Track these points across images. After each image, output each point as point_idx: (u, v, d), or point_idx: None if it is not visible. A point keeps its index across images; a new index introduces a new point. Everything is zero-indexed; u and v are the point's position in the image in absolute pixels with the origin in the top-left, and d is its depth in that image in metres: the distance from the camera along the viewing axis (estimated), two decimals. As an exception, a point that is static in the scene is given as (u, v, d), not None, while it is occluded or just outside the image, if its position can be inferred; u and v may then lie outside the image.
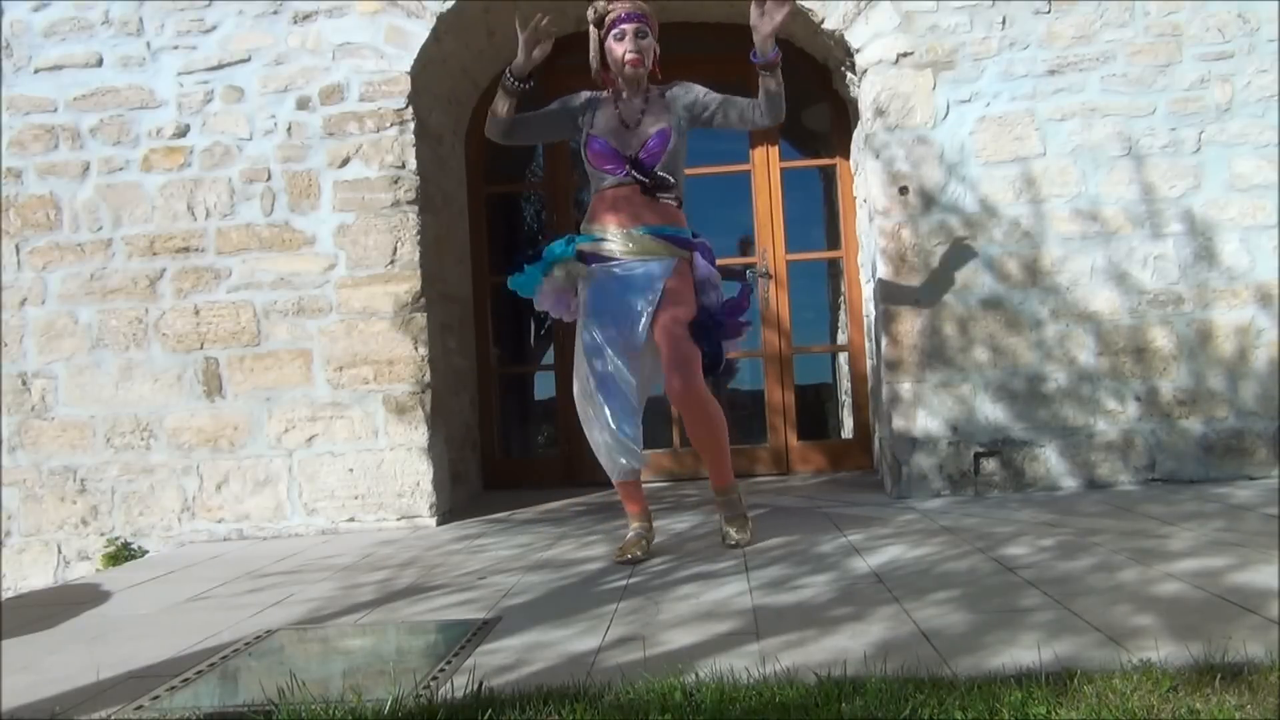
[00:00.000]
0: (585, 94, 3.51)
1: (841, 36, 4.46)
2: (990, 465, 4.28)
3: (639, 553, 3.30)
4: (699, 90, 3.44)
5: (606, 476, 3.52)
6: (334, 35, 4.51)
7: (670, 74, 3.54)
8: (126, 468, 4.48)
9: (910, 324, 4.33)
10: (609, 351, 3.32)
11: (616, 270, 3.36)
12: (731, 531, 3.43)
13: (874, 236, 4.47)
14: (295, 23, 4.52)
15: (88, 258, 4.53)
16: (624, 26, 3.34)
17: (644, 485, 5.22)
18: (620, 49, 3.35)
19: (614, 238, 3.36)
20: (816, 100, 5.54)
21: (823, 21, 4.47)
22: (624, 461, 3.37)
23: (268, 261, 4.48)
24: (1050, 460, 4.25)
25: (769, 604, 2.58)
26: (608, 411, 3.32)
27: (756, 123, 3.42)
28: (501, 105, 3.39)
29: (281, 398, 4.45)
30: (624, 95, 3.43)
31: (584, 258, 3.40)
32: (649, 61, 3.39)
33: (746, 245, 5.48)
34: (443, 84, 4.87)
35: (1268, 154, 4.23)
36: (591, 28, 3.43)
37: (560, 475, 5.44)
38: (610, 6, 3.37)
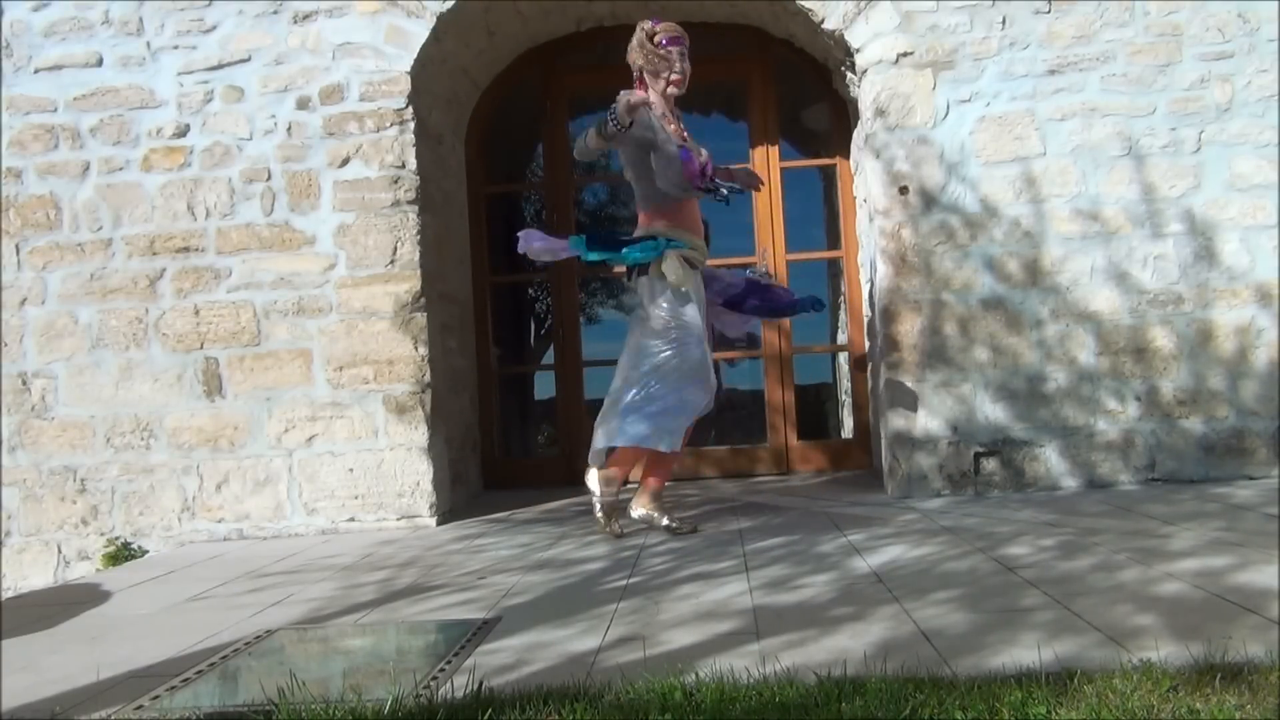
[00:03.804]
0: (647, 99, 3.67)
1: (841, 36, 4.46)
2: (990, 465, 4.28)
3: None
4: None
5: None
6: (334, 35, 4.51)
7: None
8: (126, 468, 4.48)
9: (910, 324, 4.33)
10: (706, 344, 3.74)
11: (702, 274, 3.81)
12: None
13: (874, 236, 4.47)
14: (295, 23, 4.52)
15: (88, 258, 4.53)
16: (672, 48, 3.66)
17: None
18: (669, 68, 3.66)
19: (697, 247, 3.76)
20: (816, 100, 5.54)
21: (823, 21, 4.47)
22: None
23: (268, 261, 4.48)
24: (1050, 460, 4.25)
25: (769, 604, 2.58)
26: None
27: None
28: (595, 143, 3.63)
29: (281, 398, 4.45)
30: (669, 111, 3.74)
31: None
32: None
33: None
34: (443, 84, 4.87)
35: (1268, 154, 4.23)
36: (644, 35, 3.68)
37: (560, 475, 5.42)
38: (661, 27, 3.67)
